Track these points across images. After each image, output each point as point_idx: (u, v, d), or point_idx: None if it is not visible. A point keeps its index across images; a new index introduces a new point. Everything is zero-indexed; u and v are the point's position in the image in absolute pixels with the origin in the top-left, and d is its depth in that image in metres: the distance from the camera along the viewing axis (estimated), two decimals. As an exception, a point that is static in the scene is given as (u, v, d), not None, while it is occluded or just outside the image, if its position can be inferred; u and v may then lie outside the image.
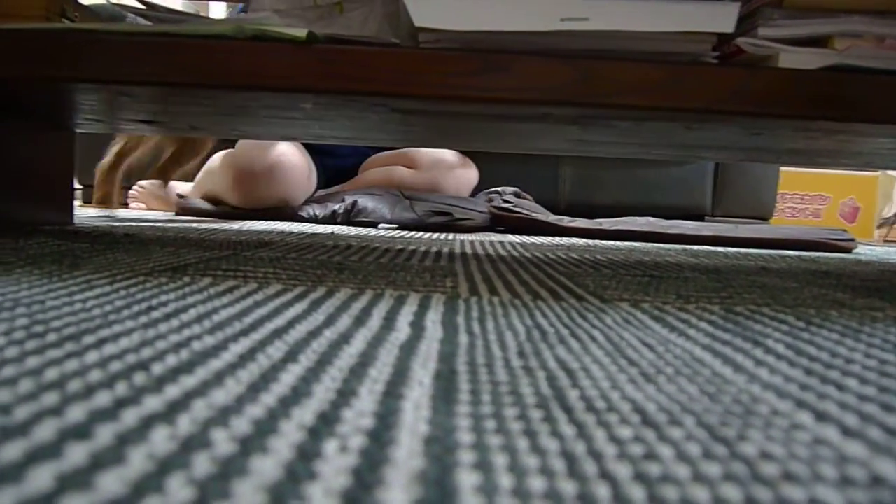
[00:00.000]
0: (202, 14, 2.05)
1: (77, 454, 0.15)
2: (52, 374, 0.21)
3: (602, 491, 0.14)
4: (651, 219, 1.45)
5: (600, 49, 0.52)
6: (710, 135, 0.68)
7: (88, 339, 0.25)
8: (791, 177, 2.44)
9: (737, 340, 0.31)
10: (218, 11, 2.38)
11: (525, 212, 1.43)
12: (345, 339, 0.28)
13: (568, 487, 0.14)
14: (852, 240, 1.31)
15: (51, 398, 0.19)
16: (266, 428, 0.17)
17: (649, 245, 1.23)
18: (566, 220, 1.41)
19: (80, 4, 0.63)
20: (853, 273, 0.74)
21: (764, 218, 1.97)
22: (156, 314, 0.31)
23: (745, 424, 0.19)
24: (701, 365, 0.26)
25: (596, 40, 0.52)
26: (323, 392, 0.20)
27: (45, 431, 0.16)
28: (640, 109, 0.52)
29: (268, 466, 0.15)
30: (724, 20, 0.51)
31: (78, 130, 0.94)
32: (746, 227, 1.41)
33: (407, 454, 0.16)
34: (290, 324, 0.30)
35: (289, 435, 0.17)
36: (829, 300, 0.48)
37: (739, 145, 0.77)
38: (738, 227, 1.37)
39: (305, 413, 0.18)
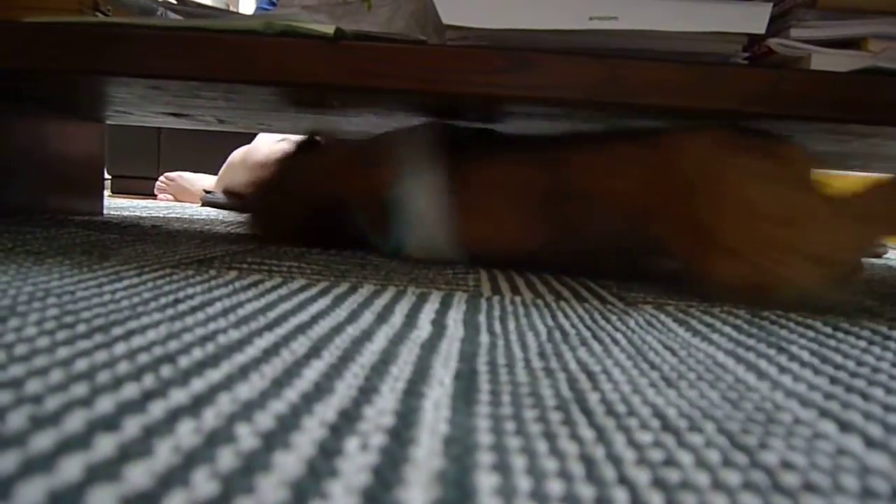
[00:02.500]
0: (231, 8, 2.06)
1: (106, 445, 0.15)
2: (81, 364, 0.21)
3: (620, 496, 0.14)
4: None
5: (629, 48, 0.51)
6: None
7: (117, 331, 0.26)
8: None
9: (761, 346, 0.31)
10: (247, 5, 2.40)
11: None
12: (367, 335, 0.28)
13: (586, 491, 0.15)
14: (882, 245, 1.28)
15: (80, 389, 0.19)
16: (289, 423, 0.17)
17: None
18: None
19: (114, -1, 0.64)
20: (882, 279, 0.73)
21: (792, 220, 1.94)
22: (182, 307, 0.32)
23: (766, 432, 0.19)
24: (723, 370, 0.26)
25: (624, 39, 0.51)
26: (345, 389, 0.21)
27: (75, 422, 0.16)
28: (668, 110, 0.51)
29: (290, 462, 0.15)
30: (755, 21, 0.50)
31: (108, 122, 0.96)
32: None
33: (427, 454, 0.16)
34: (314, 319, 0.31)
35: (311, 431, 0.17)
36: (857, 307, 0.47)
37: (768, 147, 0.76)
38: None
39: (327, 410, 0.19)
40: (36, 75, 0.56)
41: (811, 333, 0.35)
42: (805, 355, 0.29)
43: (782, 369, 0.27)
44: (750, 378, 0.25)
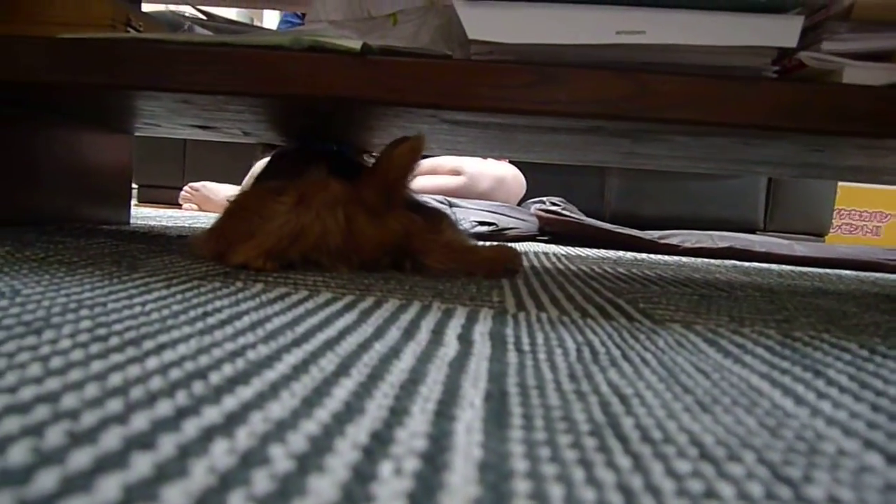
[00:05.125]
0: (256, 23, 2.10)
1: (142, 464, 0.15)
2: (115, 379, 0.21)
3: (662, 530, 0.14)
4: (723, 233, 1.40)
5: (656, 62, 0.51)
6: (767, 150, 0.67)
7: (148, 345, 0.26)
8: (849, 192, 2.36)
9: (796, 369, 0.30)
10: (271, 20, 2.44)
11: (575, 216, 1.41)
12: (395, 353, 0.28)
13: (627, 524, 0.14)
14: None
15: (115, 405, 0.19)
16: (322, 445, 0.17)
17: (699, 260, 1.21)
18: (619, 228, 1.39)
19: (145, 14, 0.66)
20: (916, 297, 0.71)
21: (819, 234, 1.91)
22: (211, 320, 0.32)
23: (810, 464, 0.18)
24: (759, 395, 0.25)
25: (652, 53, 0.51)
26: (375, 409, 0.21)
27: (112, 440, 0.17)
28: (697, 124, 0.51)
29: (325, 486, 0.15)
30: (786, 34, 0.50)
31: (136, 133, 0.98)
32: (803, 244, 1.37)
33: (462, 480, 0.16)
34: (341, 335, 0.31)
35: (344, 454, 0.17)
36: (894, 327, 0.46)
37: (798, 161, 0.75)
38: (794, 245, 1.33)
39: (359, 432, 0.18)
40: (70, 89, 0.57)
41: (847, 356, 0.34)
42: (843, 380, 0.29)
43: (820, 395, 0.26)
44: (787, 404, 0.24)
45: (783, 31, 0.50)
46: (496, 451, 0.18)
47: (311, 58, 0.51)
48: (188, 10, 0.79)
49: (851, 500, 0.16)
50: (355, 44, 0.50)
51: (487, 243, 0.65)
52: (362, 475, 0.16)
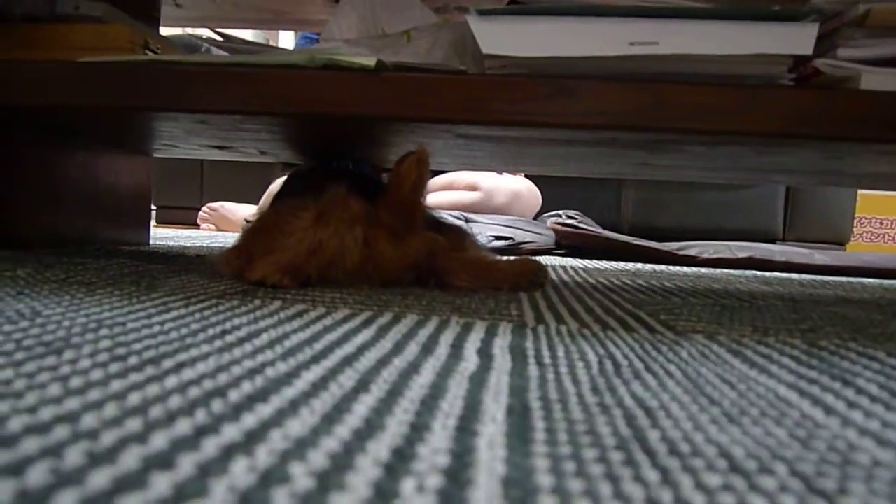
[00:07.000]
0: (272, 43, 2.12)
1: (162, 484, 0.15)
2: (134, 398, 0.21)
3: (694, 546, 0.14)
4: (737, 244, 1.38)
5: (671, 73, 0.51)
6: (784, 158, 0.66)
7: (168, 363, 0.26)
8: (869, 200, 2.33)
9: (824, 379, 0.29)
10: (287, 39, 2.47)
11: (592, 229, 1.41)
12: (414, 368, 0.28)
13: (657, 541, 0.14)
14: None
15: (134, 424, 0.19)
16: (342, 463, 0.17)
17: (718, 271, 1.19)
18: (636, 241, 1.38)
19: (163, 37, 0.67)
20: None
21: (840, 243, 1.88)
22: (230, 338, 0.32)
23: (844, 475, 0.18)
24: (788, 406, 0.25)
25: (666, 64, 0.51)
26: (396, 425, 0.20)
27: (131, 459, 0.16)
28: (713, 134, 0.50)
29: (347, 505, 0.15)
30: (801, 42, 0.49)
31: (154, 154, 0.99)
32: (823, 253, 1.35)
33: (486, 497, 0.15)
34: (360, 351, 0.31)
35: (366, 471, 0.17)
36: (922, 335, 0.45)
37: (816, 169, 0.74)
38: (814, 254, 1.31)
39: (380, 448, 0.18)
40: (90, 112, 0.58)
41: (876, 365, 0.33)
42: (873, 389, 0.28)
43: (851, 405, 0.25)
44: (817, 414, 0.24)
45: (798, 38, 0.49)
46: (520, 467, 0.17)
47: (327, 76, 0.51)
48: (205, 32, 0.81)
49: (891, 513, 0.16)
50: (370, 61, 0.51)
51: (509, 258, 0.65)
52: (384, 492, 0.15)
